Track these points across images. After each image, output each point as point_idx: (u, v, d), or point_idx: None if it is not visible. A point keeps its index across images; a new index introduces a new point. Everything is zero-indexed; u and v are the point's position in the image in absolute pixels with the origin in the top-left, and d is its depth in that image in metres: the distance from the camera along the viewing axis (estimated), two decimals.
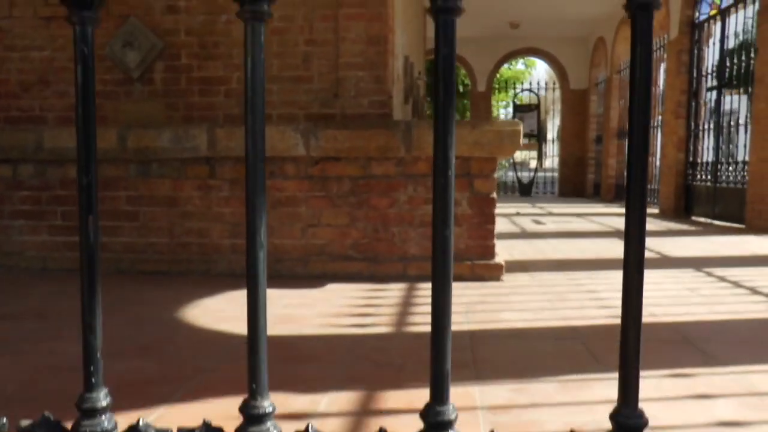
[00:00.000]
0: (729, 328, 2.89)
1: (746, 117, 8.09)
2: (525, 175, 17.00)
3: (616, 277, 4.24)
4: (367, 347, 2.48)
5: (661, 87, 11.74)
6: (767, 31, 7.41)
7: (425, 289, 3.78)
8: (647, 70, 0.98)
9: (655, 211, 11.05)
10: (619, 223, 8.51)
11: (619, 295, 1.08)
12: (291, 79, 4.65)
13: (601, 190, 14.70)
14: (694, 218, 9.55)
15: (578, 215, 9.89)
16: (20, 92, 4.92)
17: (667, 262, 5.00)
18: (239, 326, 2.68)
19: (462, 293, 3.65)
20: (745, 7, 8.34)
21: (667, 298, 3.52)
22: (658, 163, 11.61)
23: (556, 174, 17.51)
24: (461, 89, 20.36)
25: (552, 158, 19.72)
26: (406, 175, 3.97)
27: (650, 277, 4.31)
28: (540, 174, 17.71)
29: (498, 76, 16.70)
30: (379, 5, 4.63)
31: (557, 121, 20.66)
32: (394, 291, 3.69)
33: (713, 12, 9.24)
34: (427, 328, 1.04)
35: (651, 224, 8.45)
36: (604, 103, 14.80)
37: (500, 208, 9.81)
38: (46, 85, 4.89)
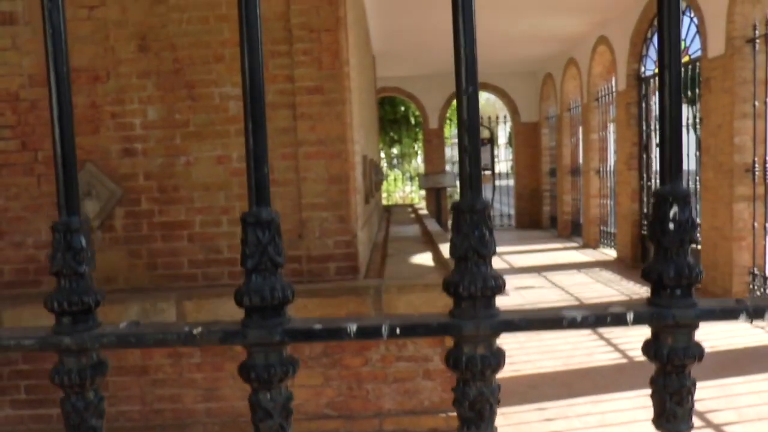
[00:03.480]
0: None
1: (696, 179, 8.31)
2: None
3: (587, 413, 4.32)
4: None
5: (611, 131, 11.98)
6: (710, 101, 7.62)
7: None
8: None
9: (613, 254, 11.27)
10: (583, 286, 8.65)
11: None
12: None
13: (558, 224, 14.92)
14: None
15: (540, 271, 10.01)
16: None
17: (633, 372, 5.10)
18: None
19: None
20: (686, 71, 8.56)
21: None
22: (613, 203, 11.86)
23: (511, 182, 17.63)
24: (413, 120, 20.45)
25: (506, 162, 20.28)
26: None
27: (621, 406, 4.40)
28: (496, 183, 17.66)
29: (449, 112, 16.84)
30: (338, 142, 4.63)
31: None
32: None
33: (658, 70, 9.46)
34: None
35: (610, 287, 8.60)
36: (556, 139, 15.02)
37: None
38: (0, 236, 4.76)
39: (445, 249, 5.69)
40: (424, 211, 11.31)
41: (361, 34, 8.02)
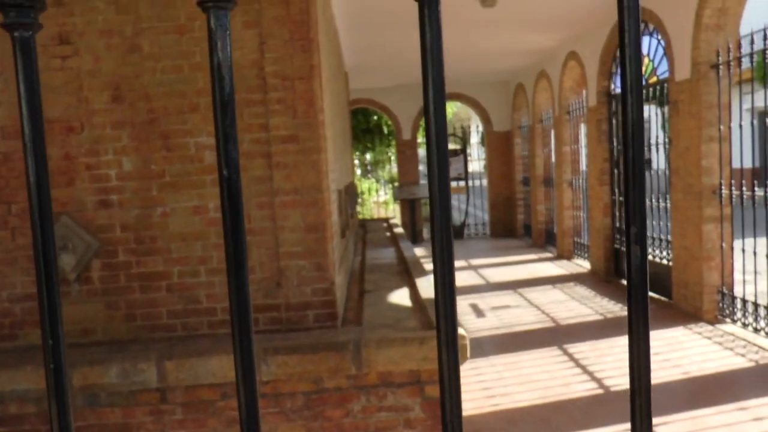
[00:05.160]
0: None
1: (666, 198, 8.47)
2: (455, 216, 17.15)
3: None
4: None
5: (583, 140, 12.14)
6: (678, 123, 7.78)
7: None
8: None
9: (587, 266, 11.42)
10: (558, 304, 8.77)
11: None
12: None
13: (533, 234, 15.08)
14: (624, 282, 9.92)
15: (515, 287, 10.13)
16: None
17: (609, 404, 5.21)
18: None
19: None
20: (654, 91, 8.71)
21: None
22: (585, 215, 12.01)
23: (484, 182, 17.90)
24: (386, 130, 20.50)
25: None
26: (358, 387, 4.04)
27: None
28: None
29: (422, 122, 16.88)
30: (314, 191, 4.66)
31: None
32: None
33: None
34: None
35: (585, 304, 8.73)
36: (529, 150, 15.17)
37: None
38: None
39: (421, 284, 5.77)
40: (400, 229, 11.37)
41: (334, 60, 8.06)
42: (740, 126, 7.01)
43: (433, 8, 0.69)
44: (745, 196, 6.91)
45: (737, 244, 7.43)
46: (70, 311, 4.69)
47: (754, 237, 6.92)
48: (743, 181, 6.91)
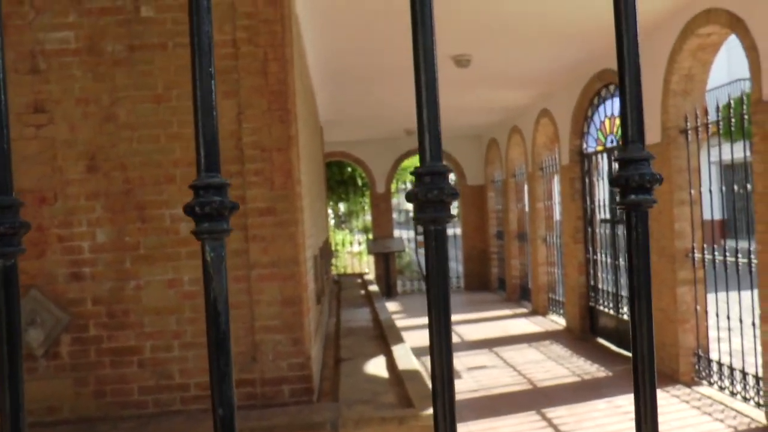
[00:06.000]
0: None
1: None
2: None
3: None
4: None
5: (557, 195, 12.24)
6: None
7: None
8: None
9: (563, 323, 11.41)
10: (535, 364, 8.73)
11: None
12: (205, 345, 4.55)
13: (507, 288, 15.08)
14: (600, 340, 9.92)
15: (491, 345, 10.08)
16: None
17: None
18: None
19: None
20: None
21: None
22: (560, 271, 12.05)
23: (458, 230, 18.08)
24: (360, 182, 20.57)
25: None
26: None
27: None
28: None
29: (396, 174, 17.02)
30: (291, 264, 4.62)
31: None
32: None
33: (599, 148, 9.77)
34: None
35: (561, 365, 8.70)
36: (502, 204, 15.28)
37: (411, 331, 9.87)
38: None
39: (397, 352, 5.70)
40: (374, 287, 11.32)
41: (311, 121, 8.09)
42: (710, 190, 7.11)
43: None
44: (717, 261, 6.98)
45: (711, 297, 7.49)
46: (36, 388, 4.54)
47: (727, 294, 6.96)
48: (713, 233, 7.00)
